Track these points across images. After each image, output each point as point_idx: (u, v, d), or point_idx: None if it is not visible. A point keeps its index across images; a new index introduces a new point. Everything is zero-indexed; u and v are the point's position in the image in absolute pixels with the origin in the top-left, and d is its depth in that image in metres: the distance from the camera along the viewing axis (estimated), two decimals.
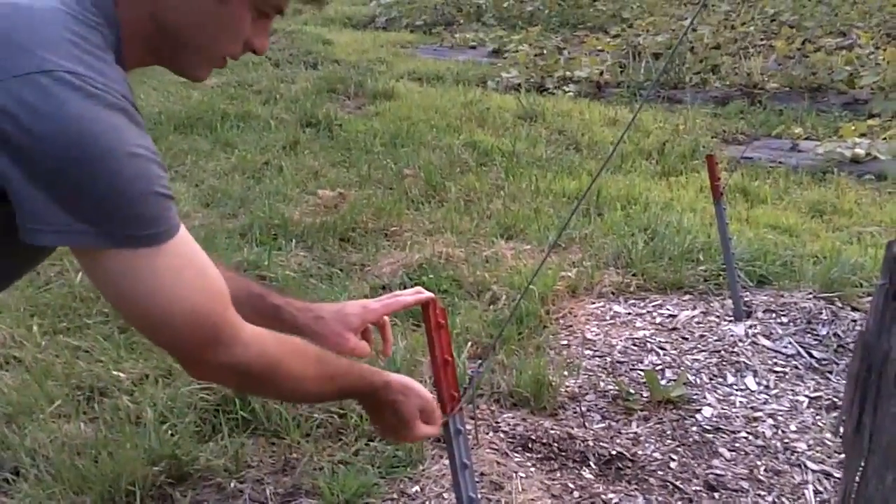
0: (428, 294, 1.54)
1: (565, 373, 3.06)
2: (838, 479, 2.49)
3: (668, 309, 3.56)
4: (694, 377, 3.04)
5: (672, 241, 4.10)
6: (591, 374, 3.08)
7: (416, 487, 2.44)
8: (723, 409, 2.85)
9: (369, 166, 5.61)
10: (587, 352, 3.24)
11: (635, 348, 3.26)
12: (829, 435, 2.71)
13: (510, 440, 2.67)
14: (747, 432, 2.72)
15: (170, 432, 2.61)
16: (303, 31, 12.14)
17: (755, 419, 2.80)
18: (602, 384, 3.01)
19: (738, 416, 2.81)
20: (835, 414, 2.83)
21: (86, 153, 0.92)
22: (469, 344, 3.16)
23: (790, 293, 3.60)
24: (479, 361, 3.02)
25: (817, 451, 2.63)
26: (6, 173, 0.92)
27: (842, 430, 1.30)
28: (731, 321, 3.39)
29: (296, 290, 3.64)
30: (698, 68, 9.05)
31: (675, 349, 3.23)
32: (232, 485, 2.45)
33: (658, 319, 3.49)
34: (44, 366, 2.99)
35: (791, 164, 6.05)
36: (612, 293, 3.73)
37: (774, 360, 3.13)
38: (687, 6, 12.54)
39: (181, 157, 5.95)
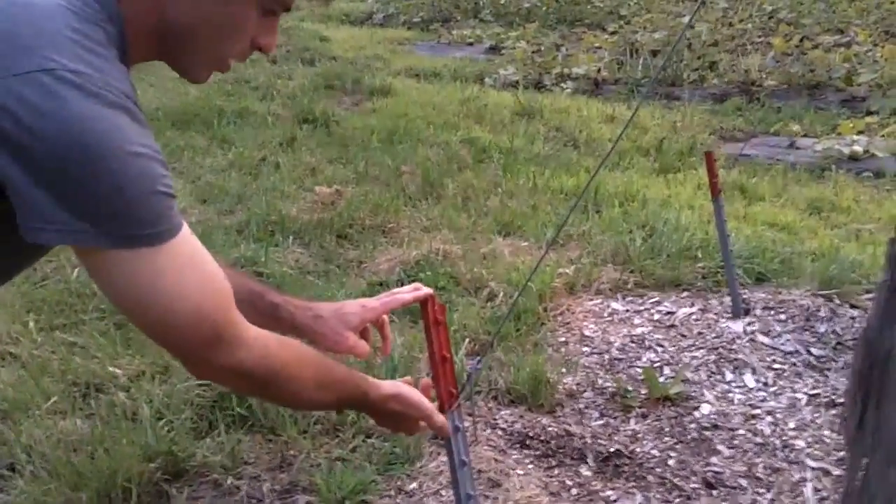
0: (427, 290, 1.53)
1: (563, 370, 3.05)
2: (837, 476, 2.49)
3: (666, 306, 3.55)
4: (692, 374, 3.03)
5: (670, 239, 4.09)
6: (589, 371, 3.08)
7: (414, 484, 2.43)
8: (721, 406, 2.85)
9: (366, 163, 5.60)
10: (585, 349, 3.23)
11: (633, 345, 3.25)
12: (827, 432, 2.70)
13: (508, 437, 2.66)
14: (746, 430, 2.72)
15: (166, 429, 2.59)
16: (300, 28, 12.12)
17: (754, 416, 2.79)
18: (600, 381, 3.00)
19: (736, 414, 2.80)
20: (833, 411, 2.82)
21: (87, 152, 0.91)
22: (467, 341, 3.15)
23: (789, 291, 3.59)
24: (477, 358, 3.01)
25: (816, 449, 2.62)
26: (6, 171, 0.91)
27: (844, 427, 1.29)
28: (729, 318, 3.38)
29: (293, 287, 3.63)
30: (696, 65, 9.04)
31: (674, 346, 3.23)
32: (228, 481, 2.44)
33: (656, 316, 3.48)
34: (40, 362, 2.98)
35: (789, 161, 6.05)
36: (611, 290, 3.72)
37: (773, 358, 3.12)
38: (685, 3, 12.52)
39: (178, 153, 5.93)
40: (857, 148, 6.11)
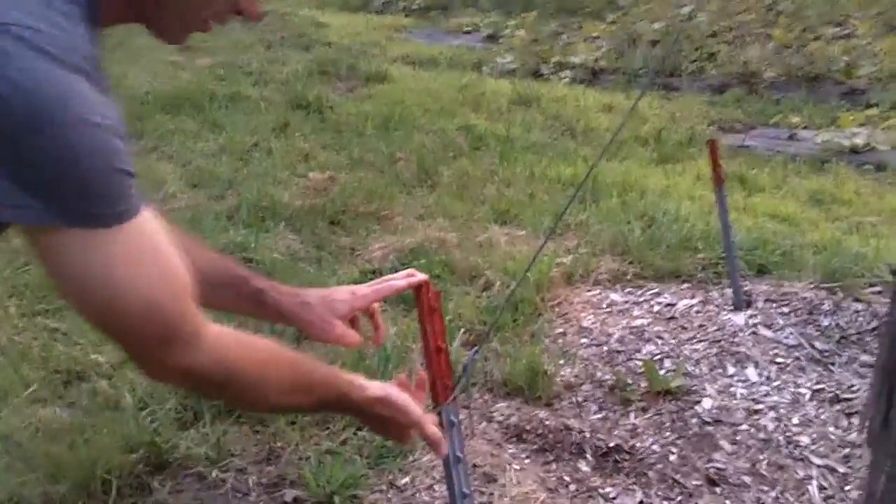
0: (421, 276, 1.44)
1: (561, 362, 2.97)
2: (843, 474, 2.41)
3: (666, 298, 3.47)
4: (693, 368, 2.95)
5: (670, 229, 4.00)
6: (587, 363, 2.99)
7: (406, 479, 2.35)
8: (723, 400, 2.76)
9: (361, 149, 5.50)
10: (583, 340, 3.15)
11: (633, 337, 3.17)
12: (832, 428, 2.62)
13: (504, 431, 2.58)
14: (749, 425, 2.63)
15: (149, 419, 2.50)
16: (296, 14, 11.98)
17: (756, 411, 2.71)
18: (599, 374, 2.92)
19: (738, 409, 2.72)
20: (838, 407, 2.74)
21: (39, 120, 0.81)
22: (462, 331, 3.06)
23: (791, 283, 3.51)
24: (473, 349, 2.92)
25: (821, 446, 2.54)
26: None
27: (867, 427, 1.21)
28: (730, 311, 3.30)
29: (284, 274, 3.54)
30: (695, 56, 8.95)
31: (674, 339, 3.14)
32: (213, 474, 2.35)
33: (656, 308, 3.39)
34: (20, 348, 2.89)
35: (789, 153, 5.97)
36: (609, 281, 3.64)
37: (776, 351, 3.04)
38: None
39: (168, 137, 5.83)
40: (858, 140, 6.04)
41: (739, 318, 3.24)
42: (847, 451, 2.52)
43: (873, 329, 3.13)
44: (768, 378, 2.90)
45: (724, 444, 2.54)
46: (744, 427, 2.63)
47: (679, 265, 3.69)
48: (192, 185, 4.90)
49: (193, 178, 5.01)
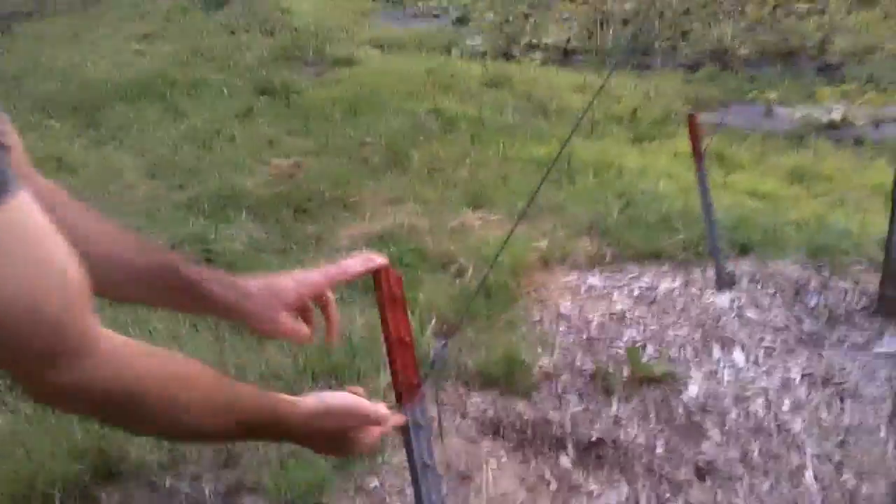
0: (380, 260, 1.26)
1: (539, 350, 2.81)
2: (838, 462, 2.28)
3: (646, 280, 3.33)
4: (677, 353, 2.80)
5: (648, 209, 3.87)
6: (566, 351, 2.84)
7: (375, 482, 2.18)
8: (710, 386, 2.62)
9: (328, 135, 5.32)
10: (562, 327, 2.99)
11: (613, 323, 3.02)
12: (824, 414, 2.49)
13: (479, 425, 2.42)
14: (738, 412, 2.49)
15: (97, 423, 2.32)
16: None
17: (745, 397, 2.57)
18: (579, 362, 2.77)
19: (726, 395, 2.58)
20: (829, 390, 2.61)
21: None
22: (434, 320, 2.89)
23: (775, 262, 3.37)
24: (443, 341, 2.76)
25: (814, 432, 2.40)
26: None
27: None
28: (714, 292, 3.16)
29: (246, 266, 3.36)
30: (668, 34, 8.81)
31: (656, 323, 3.00)
32: (167, 482, 2.18)
33: (636, 291, 3.25)
34: None
35: (766, 129, 5.85)
36: (587, 264, 3.49)
37: (763, 334, 2.90)
38: None
39: (127, 126, 5.63)
40: (836, 116, 5.93)
41: (723, 300, 3.10)
42: (841, 436, 2.38)
43: (862, 308, 3.01)
44: (756, 362, 2.76)
45: (713, 432, 2.40)
46: (732, 414, 2.49)
47: (659, 246, 3.55)
48: (150, 176, 4.70)
49: (152, 167, 4.82)
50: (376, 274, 1.25)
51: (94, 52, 7.98)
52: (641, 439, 2.36)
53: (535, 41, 8.93)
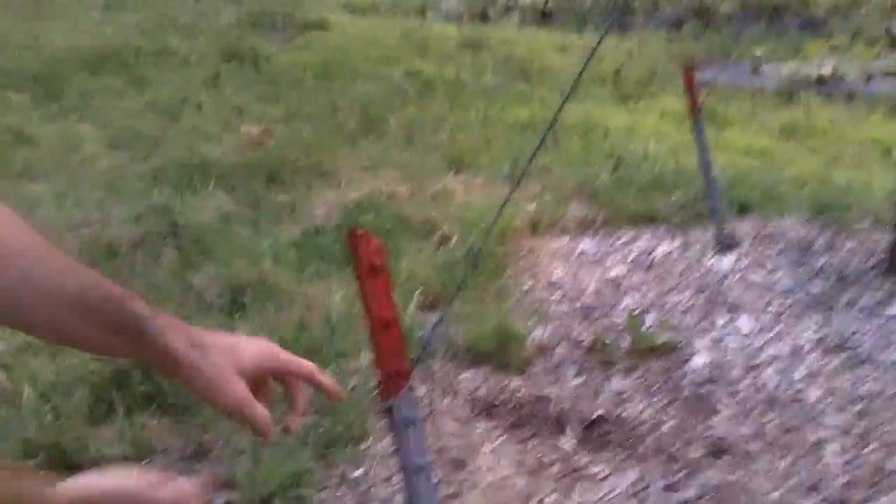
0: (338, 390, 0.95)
1: (531, 321, 2.62)
2: (860, 434, 2.10)
3: (641, 244, 3.14)
4: (679, 320, 2.62)
5: (639, 169, 3.68)
6: (560, 321, 2.65)
7: (360, 471, 1.99)
8: (716, 356, 2.44)
9: (299, 101, 5.07)
10: (555, 296, 2.80)
11: (609, 290, 2.83)
12: (839, 382, 2.31)
13: (472, 405, 2.22)
14: (748, 383, 2.32)
15: (52, 415, 2.10)
16: None
17: (754, 367, 2.39)
18: (575, 333, 2.58)
19: (734, 364, 2.40)
20: (843, 356, 2.43)
21: None
22: (418, 292, 2.69)
23: (777, 221, 3.19)
24: (437, 318, 2.55)
25: (831, 402, 2.22)
26: None
27: None
28: (715, 255, 2.98)
29: (214, 238, 3.14)
30: None
31: (655, 289, 2.82)
32: None
33: (632, 256, 3.06)
34: None
35: (755, 86, 5.66)
36: (578, 228, 3.30)
37: (769, 297, 2.72)
38: None
39: (88, 97, 5.35)
40: (825, 71, 5.75)
41: (725, 263, 2.92)
42: (860, 406, 2.21)
43: (872, 267, 2.84)
44: (763, 328, 2.58)
45: (724, 406, 2.22)
46: (743, 385, 2.31)
47: (653, 207, 3.36)
48: (113, 146, 4.44)
49: (115, 138, 4.55)
50: (353, 243, 1.04)
51: (54, 21, 7.64)
52: (647, 415, 2.18)
53: (511, 2, 8.68)
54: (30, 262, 0.73)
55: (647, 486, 1.93)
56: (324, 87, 5.34)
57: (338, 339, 2.35)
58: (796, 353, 2.45)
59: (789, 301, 2.70)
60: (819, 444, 2.06)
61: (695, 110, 2.90)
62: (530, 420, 2.16)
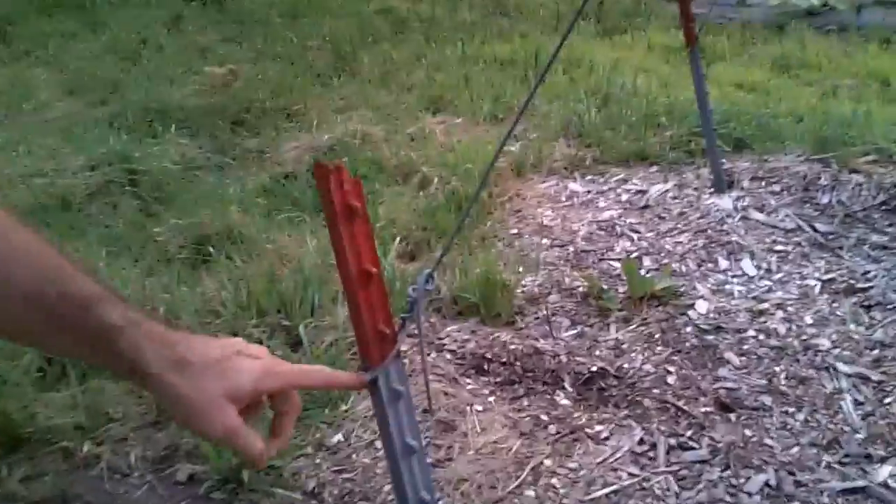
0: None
1: (520, 269, 2.44)
2: (878, 382, 1.95)
3: (634, 184, 2.95)
4: (679, 265, 2.45)
5: (628, 105, 3.47)
6: (552, 268, 2.47)
7: (338, 436, 1.82)
8: (720, 302, 2.27)
9: (266, 40, 4.80)
10: (544, 241, 2.62)
11: (602, 233, 2.65)
12: (853, 326, 2.15)
13: (459, 361, 2.05)
14: (755, 330, 2.15)
15: None
16: None
17: (761, 312, 2.22)
18: (567, 280, 2.40)
19: (739, 311, 2.23)
20: (855, 299, 2.27)
21: None
22: (398, 240, 2.50)
23: (777, 157, 3.01)
24: (425, 272, 2.36)
25: (845, 349, 2.07)
26: None
27: None
28: (712, 194, 2.80)
29: (177, 187, 2.92)
30: None
31: (651, 231, 2.64)
32: (84, 448, 1.78)
33: (624, 197, 2.88)
34: None
35: (742, 19, 5.43)
36: (566, 169, 3.10)
37: (773, 238, 2.55)
38: None
39: (43, 40, 5.06)
40: (815, 2, 5.52)
41: (725, 202, 2.74)
42: (876, 352, 2.05)
43: (880, 204, 2.67)
44: (768, 270, 2.41)
45: (731, 356, 2.05)
46: (750, 333, 2.14)
47: (644, 146, 3.17)
48: (68, 92, 4.19)
49: (71, 83, 4.30)
50: (322, 179, 0.84)
51: None
52: (649, 368, 2.02)
53: None
54: (11, 269, 0.64)
55: (654, 446, 1.77)
56: (292, 26, 5.08)
57: (312, 291, 2.15)
58: (804, 297, 2.28)
59: (794, 241, 2.53)
60: (835, 396, 1.91)
61: (690, 39, 2.68)
62: (523, 377, 1.99)
